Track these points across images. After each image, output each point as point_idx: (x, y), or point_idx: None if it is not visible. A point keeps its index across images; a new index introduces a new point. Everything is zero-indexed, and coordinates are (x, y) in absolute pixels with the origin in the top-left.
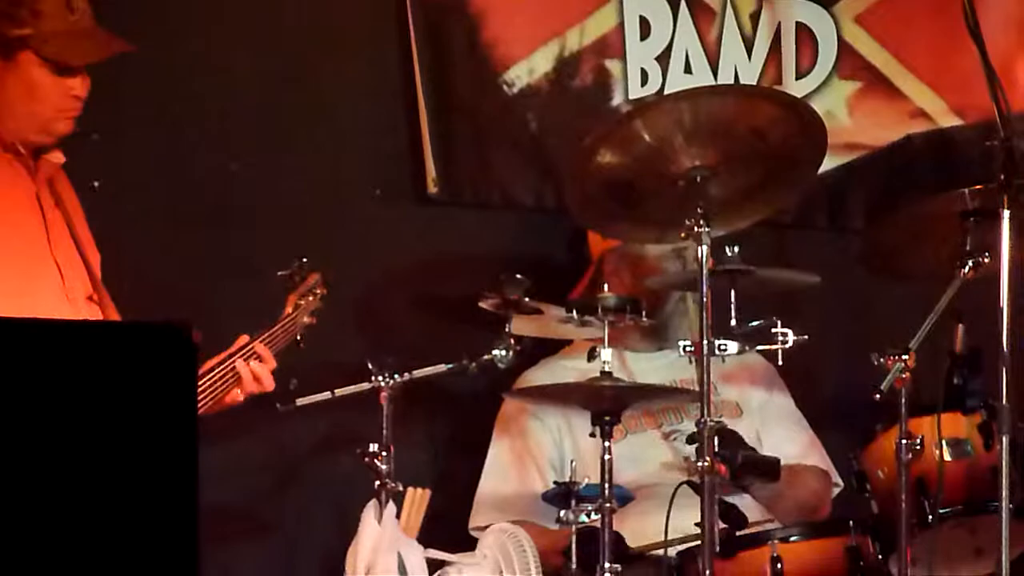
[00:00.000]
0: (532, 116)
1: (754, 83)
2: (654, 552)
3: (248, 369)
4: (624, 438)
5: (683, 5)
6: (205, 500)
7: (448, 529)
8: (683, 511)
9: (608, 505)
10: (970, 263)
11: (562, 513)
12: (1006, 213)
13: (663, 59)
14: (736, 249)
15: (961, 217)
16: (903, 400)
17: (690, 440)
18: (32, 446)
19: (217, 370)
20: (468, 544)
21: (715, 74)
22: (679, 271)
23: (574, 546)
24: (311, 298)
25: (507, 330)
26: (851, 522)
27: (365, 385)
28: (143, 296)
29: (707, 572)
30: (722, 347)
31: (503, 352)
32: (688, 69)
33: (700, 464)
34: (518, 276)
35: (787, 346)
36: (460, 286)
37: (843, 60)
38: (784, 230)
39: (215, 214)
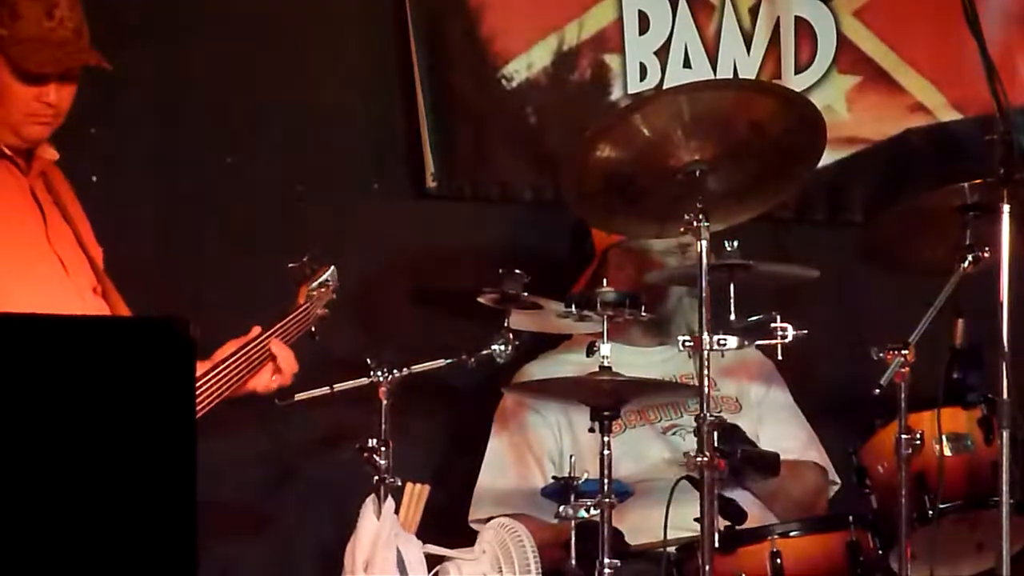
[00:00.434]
0: (531, 110)
1: (753, 77)
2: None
3: (283, 352)
4: (623, 433)
5: None
6: (203, 495)
7: (447, 524)
8: (682, 506)
9: (607, 500)
10: (970, 257)
11: (561, 508)
12: (1006, 207)
13: (662, 53)
14: (735, 243)
15: (961, 211)
16: (903, 395)
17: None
18: (29, 442)
19: (241, 353)
20: (467, 539)
21: (714, 68)
22: (679, 265)
23: (573, 541)
24: (323, 289)
25: (506, 325)
26: (851, 517)
27: (363, 380)
28: (141, 291)
29: (706, 567)
30: (721, 342)
31: (502, 347)
32: (687, 63)
33: (699, 459)
34: (517, 271)
35: (786, 340)
36: (459, 281)
37: (842, 54)
38: (783, 224)
39: (213, 209)
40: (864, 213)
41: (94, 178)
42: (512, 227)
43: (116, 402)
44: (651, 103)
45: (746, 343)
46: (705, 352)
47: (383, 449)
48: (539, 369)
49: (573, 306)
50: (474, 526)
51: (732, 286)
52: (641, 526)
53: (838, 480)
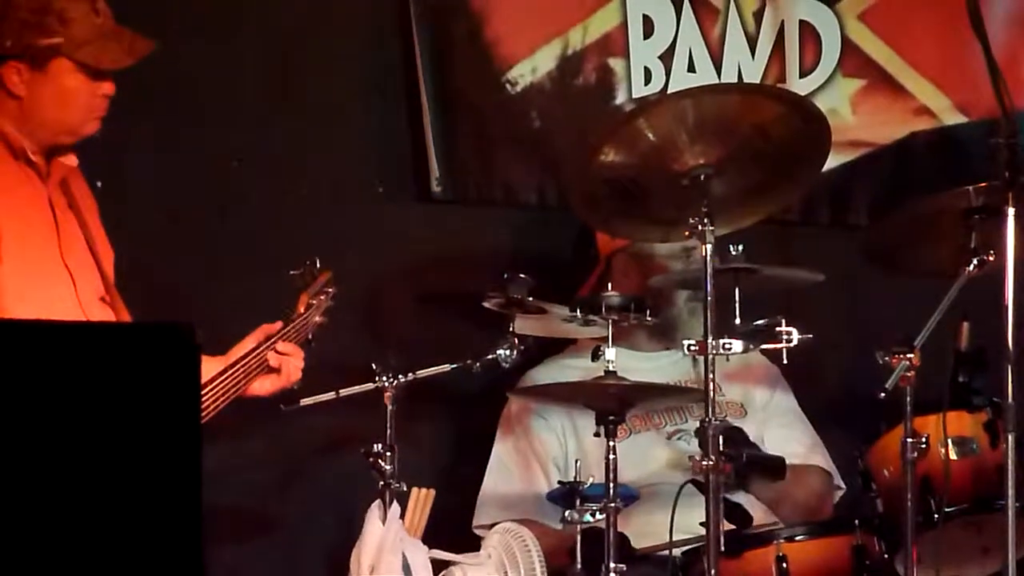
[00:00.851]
0: (535, 115)
1: (758, 81)
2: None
3: (280, 358)
4: (628, 437)
5: (686, 3)
6: (209, 500)
7: (452, 529)
8: (688, 510)
9: (612, 505)
10: (975, 261)
11: (567, 513)
12: (1011, 211)
13: (666, 57)
14: (740, 247)
15: (966, 215)
16: (908, 398)
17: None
18: (36, 447)
19: (245, 360)
20: (472, 544)
21: (719, 72)
22: (684, 270)
23: (579, 546)
24: (322, 297)
25: (511, 329)
26: (857, 521)
27: (369, 385)
28: (148, 295)
29: (712, 571)
30: (727, 346)
31: (507, 351)
32: (691, 67)
33: (705, 463)
34: (521, 275)
35: (792, 344)
36: (463, 285)
37: (847, 58)
38: (788, 228)
39: (218, 212)
40: (869, 216)
41: (99, 184)
42: (517, 231)
43: (122, 407)
44: (656, 107)
45: (751, 347)
46: (710, 356)
47: (388, 454)
48: (544, 374)
49: (578, 310)
50: (478, 532)
51: (737, 290)
52: (646, 530)
53: (843, 485)
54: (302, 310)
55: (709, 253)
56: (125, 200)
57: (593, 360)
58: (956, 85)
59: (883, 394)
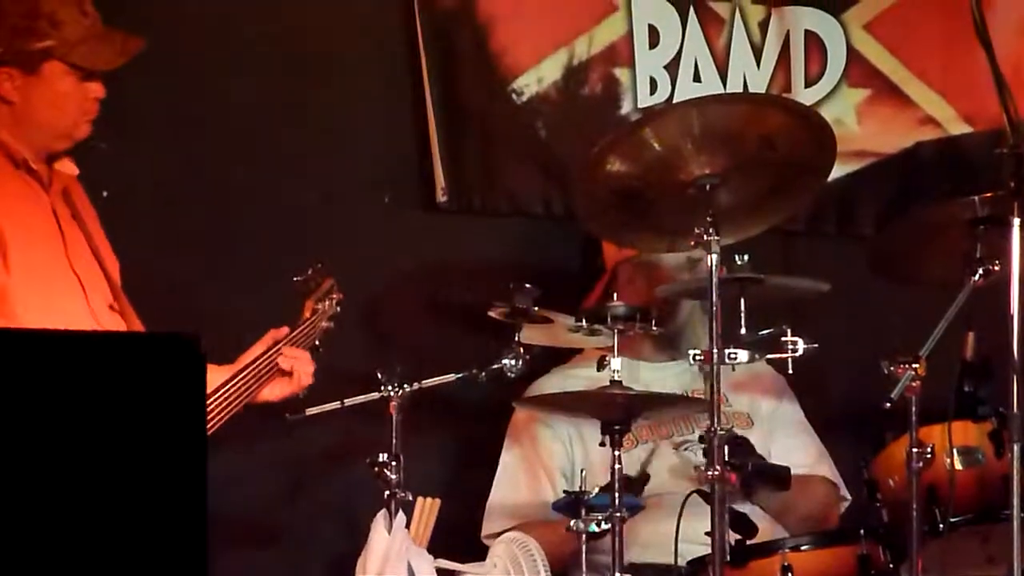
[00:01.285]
0: (541, 124)
1: (763, 91)
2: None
3: (291, 360)
4: (635, 448)
5: (692, 13)
6: (214, 509)
7: (458, 538)
8: (693, 520)
9: (618, 515)
10: (980, 271)
11: (572, 523)
12: (1016, 220)
13: (672, 67)
14: (746, 257)
15: (971, 224)
16: (913, 408)
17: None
18: (41, 456)
19: (254, 365)
20: (479, 553)
21: (724, 82)
22: (690, 280)
23: (583, 554)
24: (328, 303)
25: (516, 339)
26: (862, 531)
27: (374, 395)
28: (154, 304)
29: None
30: (732, 356)
31: (513, 361)
32: (697, 77)
33: (710, 473)
34: (527, 285)
35: (797, 354)
36: (469, 295)
37: (852, 68)
38: (793, 238)
39: (224, 221)
40: (874, 226)
41: (104, 193)
42: (523, 241)
43: (127, 416)
44: (661, 117)
45: (756, 357)
46: (715, 366)
47: (394, 464)
48: (550, 383)
49: (583, 320)
50: (487, 542)
51: (743, 300)
52: (652, 540)
53: (848, 496)
54: (307, 315)
55: (715, 263)
56: (132, 210)
57: (599, 370)
58: (961, 95)
59: (888, 404)
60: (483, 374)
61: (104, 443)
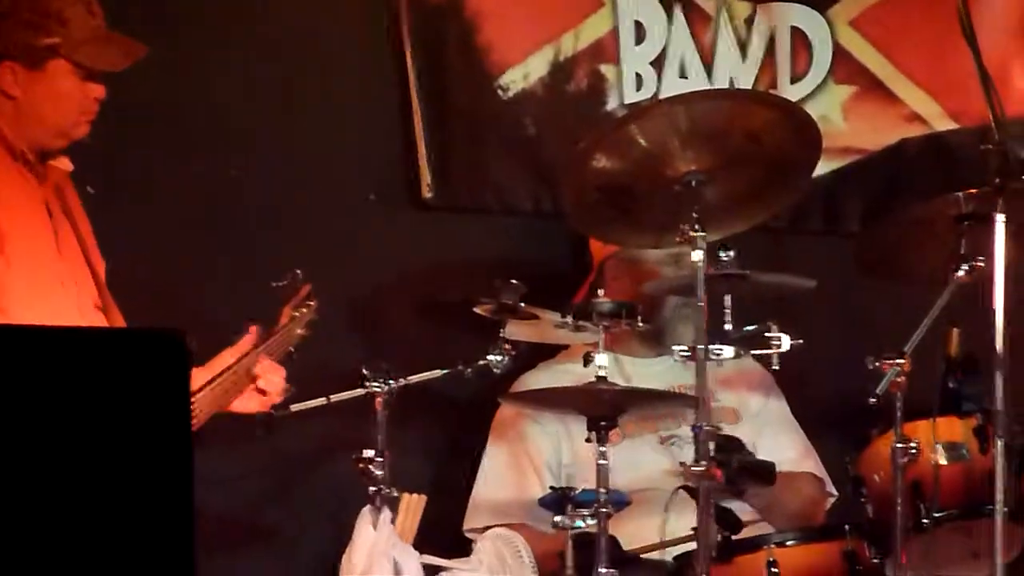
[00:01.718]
0: (527, 121)
1: (749, 87)
2: (650, 556)
3: (264, 380)
4: (622, 443)
5: (678, 10)
6: (200, 506)
7: (444, 534)
8: (680, 516)
9: (604, 510)
10: (965, 267)
11: (557, 518)
12: (1000, 217)
13: (658, 64)
14: (732, 253)
15: (956, 221)
16: (898, 404)
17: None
18: (26, 452)
19: (225, 374)
20: (464, 549)
21: (710, 78)
22: (675, 276)
23: (570, 551)
24: (305, 310)
25: (502, 335)
26: (847, 526)
27: (360, 391)
28: (141, 302)
29: None
30: (717, 352)
31: (498, 357)
32: (683, 74)
33: (696, 469)
34: (513, 281)
35: (782, 350)
36: (455, 291)
37: (838, 64)
38: (779, 234)
39: (212, 219)
40: (860, 223)
41: (90, 189)
42: (510, 238)
43: (113, 413)
44: (647, 113)
45: (742, 353)
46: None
47: (379, 460)
48: (537, 379)
49: (569, 316)
50: (469, 535)
51: (729, 296)
52: (638, 536)
53: (835, 492)
54: (284, 321)
55: (701, 259)
56: (118, 205)
57: (585, 365)
58: (947, 92)
59: (873, 400)
60: (469, 370)
61: (89, 439)
